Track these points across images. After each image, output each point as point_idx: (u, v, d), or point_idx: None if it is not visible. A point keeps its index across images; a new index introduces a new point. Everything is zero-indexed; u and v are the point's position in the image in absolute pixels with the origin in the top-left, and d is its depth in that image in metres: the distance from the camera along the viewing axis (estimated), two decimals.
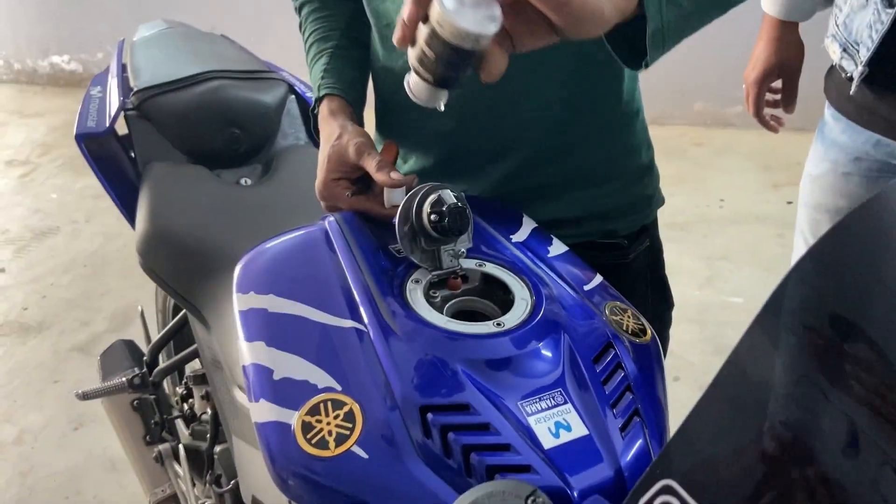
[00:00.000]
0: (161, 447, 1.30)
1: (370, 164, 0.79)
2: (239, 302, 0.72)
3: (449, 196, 0.69)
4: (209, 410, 1.18)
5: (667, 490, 0.33)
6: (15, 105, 4.19)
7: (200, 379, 1.18)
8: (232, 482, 1.08)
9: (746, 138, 3.06)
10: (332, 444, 0.59)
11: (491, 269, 0.73)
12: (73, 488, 1.87)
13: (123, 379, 1.28)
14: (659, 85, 3.12)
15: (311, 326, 0.67)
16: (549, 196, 0.90)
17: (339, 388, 0.62)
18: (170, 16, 1.60)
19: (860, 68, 1.08)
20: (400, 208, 0.71)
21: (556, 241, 0.82)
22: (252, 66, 1.32)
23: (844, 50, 1.12)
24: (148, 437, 1.33)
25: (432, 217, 0.68)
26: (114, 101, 1.25)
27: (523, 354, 0.64)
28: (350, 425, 0.60)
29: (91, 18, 4.10)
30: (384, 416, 0.60)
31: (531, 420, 0.60)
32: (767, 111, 1.38)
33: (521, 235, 0.81)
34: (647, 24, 0.62)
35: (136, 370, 1.30)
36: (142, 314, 1.50)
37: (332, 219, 0.79)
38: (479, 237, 0.77)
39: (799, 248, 1.35)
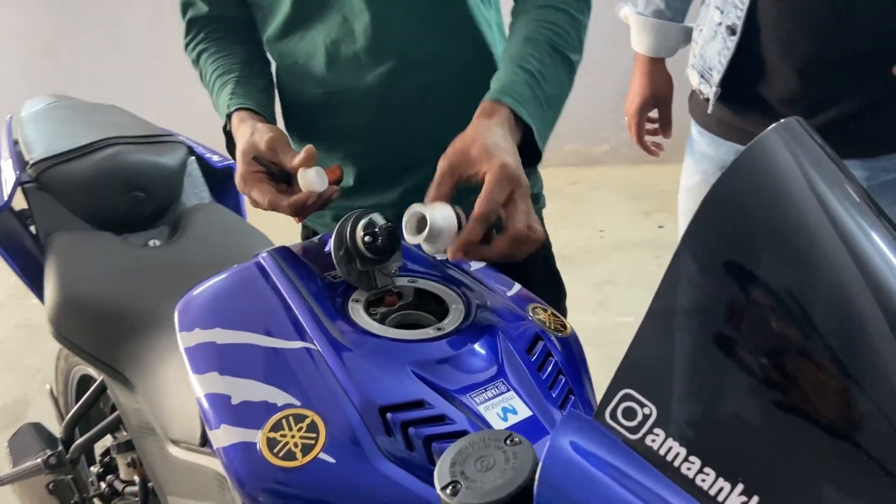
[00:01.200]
0: None
1: (283, 156, 0.84)
2: (184, 340, 0.74)
3: (379, 218, 0.75)
4: (136, 478, 1.16)
5: (627, 398, 0.39)
6: None
7: (125, 446, 1.15)
8: None
9: (615, 173, 3.30)
10: (299, 455, 0.63)
11: (422, 283, 0.79)
12: None
13: (39, 460, 1.22)
14: None
15: (261, 352, 0.70)
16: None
17: (298, 403, 0.66)
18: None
19: (714, 89, 1.23)
20: (334, 233, 0.76)
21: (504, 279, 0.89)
22: (149, 132, 1.34)
23: (701, 76, 1.27)
24: None
25: (366, 239, 0.74)
26: (8, 176, 1.23)
27: (465, 352, 0.70)
28: (314, 435, 0.64)
29: None
30: (346, 422, 0.64)
31: (481, 409, 0.66)
32: (648, 138, 1.53)
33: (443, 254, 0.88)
34: (539, 144, 0.85)
35: (50, 450, 1.25)
36: (51, 391, 1.44)
37: (265, 254, 0.82)
38: (407, 257, 0.83)
39: None
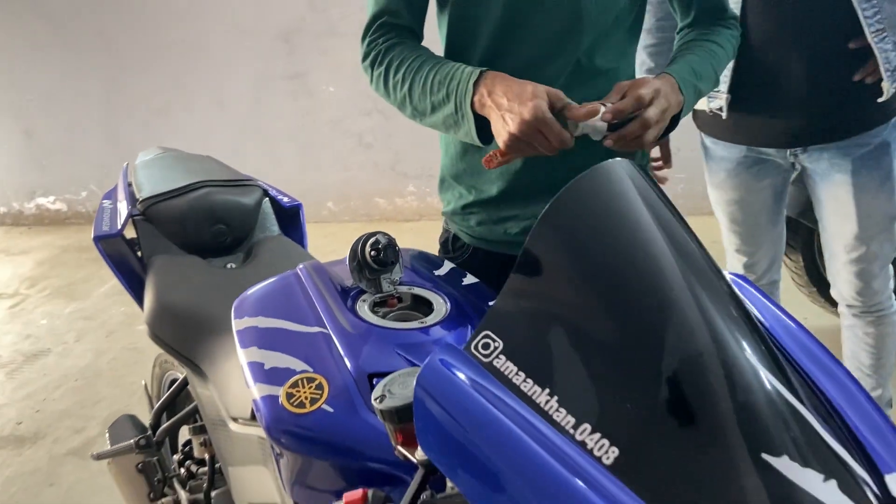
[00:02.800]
0: (164, 500, 1.51)
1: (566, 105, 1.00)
2: (236, 325, 0.99)
3: (383, 238, 0.99)
4: (206, 456, 1.41)
5: (486, 336, 0.60)
6: (2, 245, 4.47)
7: (200, 430, 1.41)
8: None
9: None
10: (308, 405, 0.86)
11: (418, 291, 1.02)
12: None
13: (131, 441, 1.50)
14: None
15: (289, 333, 0.95)
16: None
17: (311, 369, 0.89)
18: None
19: (726, 96, 1.59)
20: (350, 250, 1.00)
21: (469, 275, 1.11)
22: (233, 176, 1.63)
23: (707, 97, 1.62)
24: (151, 495, 1.53)
25: (371, 253, 0.98)
26: (122, 209, 1.55)
27: (439, 339, 0.92)
28: (320, 392, 0.87)
29: (74, 162, 4.46)
30: (343, 383, 0.87)
31: None
32: (655, 173, 1.84)
33: (442, 271, 1.10)
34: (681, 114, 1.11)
35: (142, 434, 1.52)
36: (146, 387, 1.73)
37: (301, 267, 1.07)
38: (413, 272, 1.06)
39: (727, 237, 1.89)
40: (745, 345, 0.58)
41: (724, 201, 1.80)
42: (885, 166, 1.63)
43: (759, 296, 0.75)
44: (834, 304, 2.23)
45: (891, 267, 1.76)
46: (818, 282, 2.31)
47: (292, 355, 0.92)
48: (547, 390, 0.57)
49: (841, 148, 1.61)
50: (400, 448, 0.65)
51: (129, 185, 1.63)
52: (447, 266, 1.12)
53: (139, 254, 1.54)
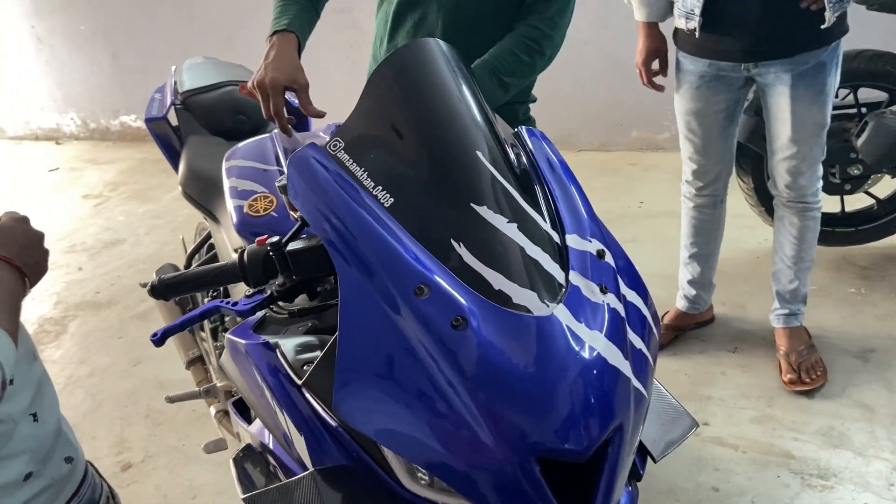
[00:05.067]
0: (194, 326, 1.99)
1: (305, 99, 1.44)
2: (225, 164, 1.43)
3: None
4: (221, 288, 1.87)
5: (336, 139, 1.01)
6: (90, 156, 5.09)
7: (215, 258, 1.87)
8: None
9: (672, 157, 3.72)
10: (262, 212, 1.28)
11: None
12: (131, 401, 2.56)
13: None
14: (602, 117, 3.82)
15: (256, 170, 1.38)
16: None
17: (267, 191, 1.32)
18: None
19: (698, 19, 1.96)
20: None
21: None
22: None
23: (686, 17, 2.00)
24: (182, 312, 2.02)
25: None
26: (167, 100, 2.00)
27: None
28: (271, 205, 1.29)
29: (154, 84, 4.99)
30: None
31: None
32: (654, 81, 2.26)
33: None
34: None
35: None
36: (182, 240, 2.21)
37: (275, 132, 1.49)
38: None
39: (683, 144, 2.27)
40: (479, 152, 0.96)
41: (684, 111, 2.17)
42: (820, 83, 1.99)
43: (541, 142, 1.11)
44: None
45: (820, 168, 2.09)
46: (766, 202, 2.60)
47: (257, 182, 1.35)
48: (363, 169, 0.97)
49: (785, 64, 1.96)
50: (291, 213, 1.07)
51: (175, 82, 2.08)
52: None
53: (177, 133, 2.00)
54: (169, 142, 1.98)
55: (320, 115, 1.43)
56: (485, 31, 1.60)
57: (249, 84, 1.42)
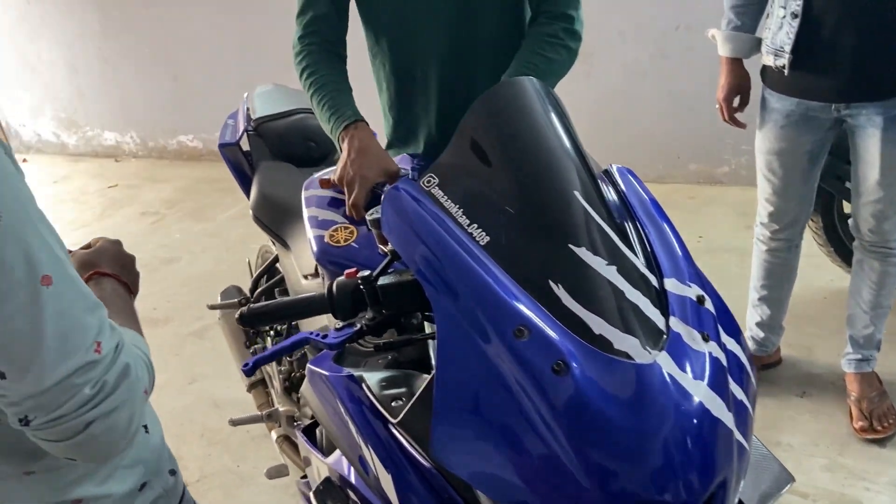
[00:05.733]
0: (256, 346, 2.01)
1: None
2: (304, 193, 1.44)
3: None
4: None
5: (430, 175, 1.01)
6: (148, 173, 5.21)
7: (284, 292, 1.89)
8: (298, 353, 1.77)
9: (731, 192, 3.67)
10: (342, 242, 1.29)
11: None
12: (187, 419, 2.58)
13: (236, 300, 2.00)
14: (660, 150, 3.79)
15: (335, 200, 1.38)
16: None
17: (346, 222, 1.33)
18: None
19: (788, 56, 1.91)
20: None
21: None
22: None
23: (775, 54, 1.95)
24: (247, 343, 2.03)
25: None
26: (240, 126, 2.04)
27: None
28: (351, 235, 1.30)
29: (210, 105, 5.11)
30: (367, 231, 1.29)
31: None
32: (735, 117, 2.21)
33: None
34: None
35: (244, 295, 2.02)
36: (249, 263, 2.24)
37: None
38: None
39: (761, 184, 2.18)
40: (576, 192, 0.95)
41: (766, 150, 2.10)
42: None
43: (634, 182, 1.10)
44: (848, 263, 2.47)
45: None
46: (836, 243, 2.54)
47: (336, 212, 1.36)
48: (457, 206, 0.97)
49: (878, 106, 1.88)
50: (380, 247, 1.07)
51: (247, 108, 2.12)
52: None
53: (249, 159, 2.03)
54: (240, 167, 2.02)
55: None
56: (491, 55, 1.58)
57: (333, 178, 1.40)
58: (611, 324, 0.86)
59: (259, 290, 2.00)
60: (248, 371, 1.02)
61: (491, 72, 1.56)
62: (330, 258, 1.29)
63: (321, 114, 1.52)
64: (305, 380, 1.18)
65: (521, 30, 1.60)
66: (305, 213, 1.40)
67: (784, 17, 1.90)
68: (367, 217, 1.08)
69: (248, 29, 4.71)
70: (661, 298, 0.92)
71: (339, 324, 1.05)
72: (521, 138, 1.00)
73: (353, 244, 1.29)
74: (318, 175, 1.50)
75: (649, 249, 0.97)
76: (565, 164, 0.98)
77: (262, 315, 1.08)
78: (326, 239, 1.31)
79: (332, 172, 1.48)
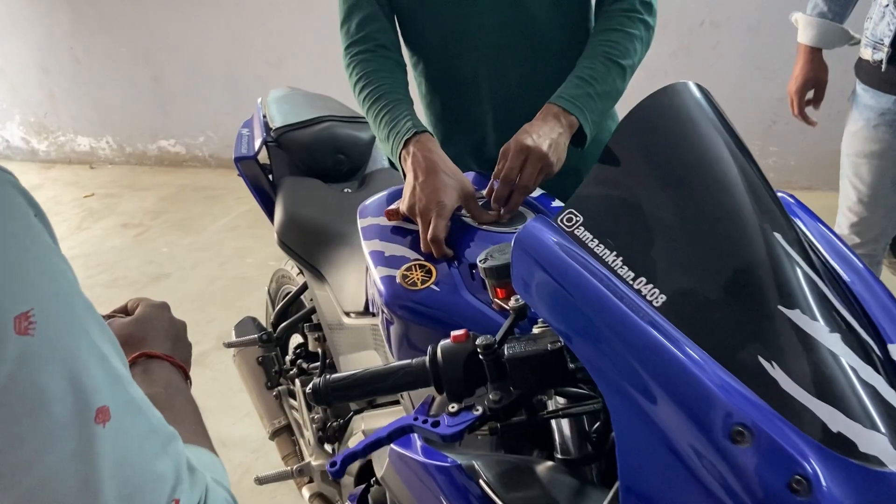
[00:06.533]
0: (280, 388, 1.76)
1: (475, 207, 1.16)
2: (360, 223, 1.20)
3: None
4: (319, 350, 1.64)
5: (569, 212, 0.78)
6: (127, 181, 4.90)
7: (316, 328, 1.64)
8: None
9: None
10: (419, 284, 1.05)
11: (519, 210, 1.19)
12: None
13: (255, 336, 1.75)
14: None
15: (404, 230, 1.15)
16: None
17: (422, 259, 1.09)
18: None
19: (887, 50, 1.72)
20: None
21: (556, 199, 1.28)
22: (351, 114, 1.85)
23: (874, 47, 1.76)
24: (269, 384, 1.78)
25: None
26: (257, 136, 1.78)
27: None
28: (429, 276, 1.06)
29: (194, 110, 4.82)
30: (448, 270, 1.06)
31: None
32: (805, 112, 2.01)
33: (534, 194, 1.28)
34: (585, 129, 1.20)
35: (264, 331, 1.77)
36: (268, 291, 1.99)
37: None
38: None
39: (845, 190, 1.95)
40: (776, 233, 0.73)
41: (855, 152, 1.88)
42: None
43: (804, 213, 0.89)
44: None
45: None
46: None
47: (407, 247, 1.12)
48: (614, 253, 0.74)
49: None
50: (497, 300, 0.84)
51: (264, 116, 1.87)
52: (538, 190, 1.29)
53: (268, 174, 1.78)
54: (259, 183, 1.76)
55: (499, 218, 1.15)
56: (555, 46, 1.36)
57: (402, 209, 1.15)
58: (850, 416, 0.64)
59: (284, 324, 1.75)
60: (337, 472, 0.78)
61: (551, 64, 1.35)
62: (403, 303, 1.06)
63: (379, 133, 1.27)
64: (386, 463, 0.94)
65: (582, 9, 1.38)
66: (366, 246, 1.16)
67: (887, 5, 1.71)
68: (481, 265, 0.85)
69: (233, 26, 4.43)
70: (888, 372, 0.70)
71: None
72: (694, 161, 0.77)
73: (434, 287, 1.05)
74: (373, 200, 1.26)
75: (857, 306, 0.76)
76: (756, 195, 0.76)
77: (342, 390, 0.85)
78: (399, 280, 1.07)
79: (390, 197, 1.25)
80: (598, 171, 0.79)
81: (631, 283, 0.72)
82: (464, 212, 1.16)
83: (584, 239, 0.76)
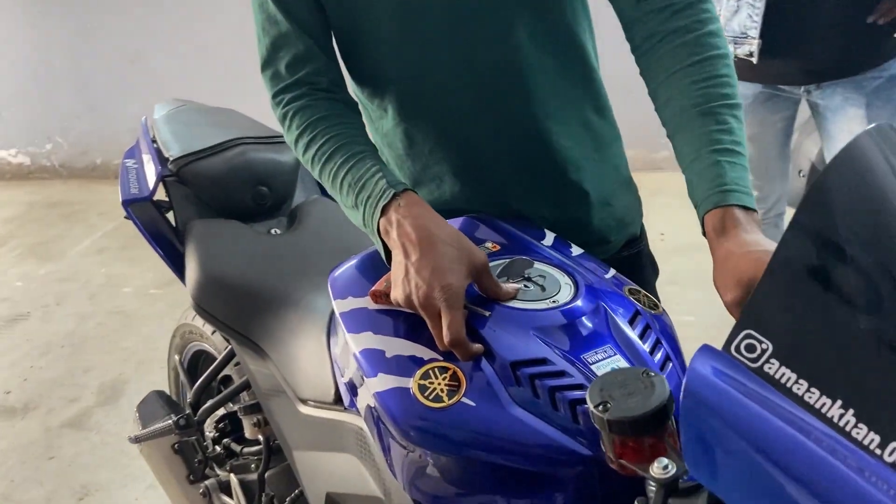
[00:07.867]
0: (208, 483, 1.40)
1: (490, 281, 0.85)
2: (339, 306, 0.88)
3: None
4: (261, 437, 1.30)
5: (748, 336, 0.51)
6: None
7: (252, 409, 1.30)
8: (295, 491, 1.21)
9: (675, 179, 3.37)
10: (445, 398, 0.76)
11: (538, 266, 0.91)
12: None
13: (170, 421, 1.38)
14: None
15: (407, 316, 0.84)
16: None
17: (441, 358, 0.79)
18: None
19: (758, 41, 1.73)
20: None
21: (573, 245, 1.01)
22: (267, 132, 1.49)
23: (734, 43, 1.77)
24: (191, 476, 1.42)
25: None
26: (150, 170, 1.40)
27: (577, 321, 0.82)
28: (456, 383, 0.77)
29: (38, 113, 4.18)
30: (483, 374, 0.77)
31: (593, 367, 0.78)
32: None
33: (547, 241, 1.00)
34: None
35: (177, 414, 1.40)
36: (178, 362, 1.60)
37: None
38: (518, 245, 0.96)
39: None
40: None
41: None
42: None
43: None
44: None
45: None
46: None
47: (417, 342, 0.81)
48: (839, 402, 0.48)
49: (855, 82, 1.76)
50: (624, 463, 0.56)
51: (153, 141, 1.48)
52: (550, 236, 1.02)
53: (168, 216, 1.40)
54: (158, 229, 1.38)
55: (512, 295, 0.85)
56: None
57: (395, 299, 0.83)
58: None
59: (208, 404, 1.39)
60: None
61: (529, 97, 1.03)
62: (426, 426, 0.76)
63: (343, 200, 0.94)
64: None
65: (561, 37, 1.08)
66: (353, 342, 0.84)
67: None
68: (599, 413, 0.56)
69: (78, 19, 3.84)
70: None
71: None
72: None
73: (466, 401, 0.76)
74: (348, 269, 0.94)
75: None
76: None
77: None
78: (415, 392, 0.77)
79: (370, 262, 0.93)
80: (781, 269, 0.53)
81: (879, 452, 0.47)
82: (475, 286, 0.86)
83: (782, 380, 0.50)
